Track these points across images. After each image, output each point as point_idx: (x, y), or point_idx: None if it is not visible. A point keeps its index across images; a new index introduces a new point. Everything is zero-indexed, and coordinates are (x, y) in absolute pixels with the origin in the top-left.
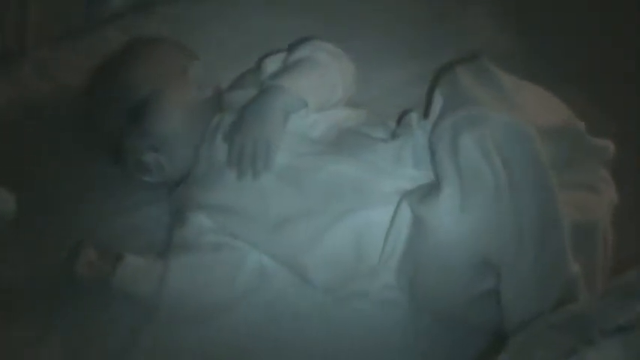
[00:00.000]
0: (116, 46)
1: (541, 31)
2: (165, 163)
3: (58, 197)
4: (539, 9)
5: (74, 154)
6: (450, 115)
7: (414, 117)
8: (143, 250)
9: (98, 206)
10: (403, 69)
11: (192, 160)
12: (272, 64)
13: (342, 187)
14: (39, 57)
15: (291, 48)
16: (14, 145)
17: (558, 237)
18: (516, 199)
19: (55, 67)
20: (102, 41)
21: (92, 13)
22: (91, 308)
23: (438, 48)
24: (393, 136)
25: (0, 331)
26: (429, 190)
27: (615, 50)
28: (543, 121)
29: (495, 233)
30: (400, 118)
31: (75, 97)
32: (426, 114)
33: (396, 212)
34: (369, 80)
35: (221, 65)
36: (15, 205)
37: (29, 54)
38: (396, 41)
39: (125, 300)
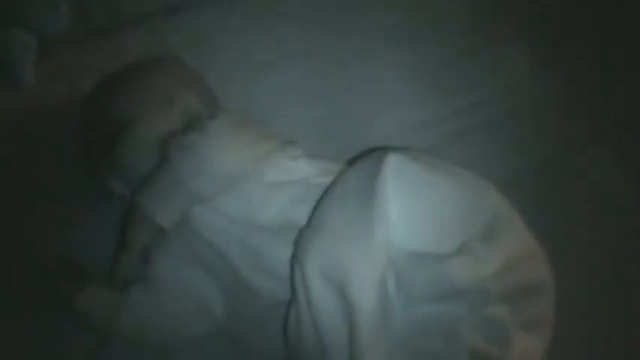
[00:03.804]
0: (137, 51)
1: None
2: (127, 194)
3: (52, 205)
4: (577, 56)
5: (75, 166)
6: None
7: None
8: None
9: (88, 219)
10: (423, 107)
11: None
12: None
13: None
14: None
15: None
16: (19, 144)
17: None
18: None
19: (72, 69)
20: (123, 45)
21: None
22: (53, 324)
23: (464, 87)
24: None
25: None
26: None
27: None
28: None
29: None
30: None
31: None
32: None
33: None
34: (385, 117)
35: (245, 76)
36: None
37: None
38: (419, 77)
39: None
